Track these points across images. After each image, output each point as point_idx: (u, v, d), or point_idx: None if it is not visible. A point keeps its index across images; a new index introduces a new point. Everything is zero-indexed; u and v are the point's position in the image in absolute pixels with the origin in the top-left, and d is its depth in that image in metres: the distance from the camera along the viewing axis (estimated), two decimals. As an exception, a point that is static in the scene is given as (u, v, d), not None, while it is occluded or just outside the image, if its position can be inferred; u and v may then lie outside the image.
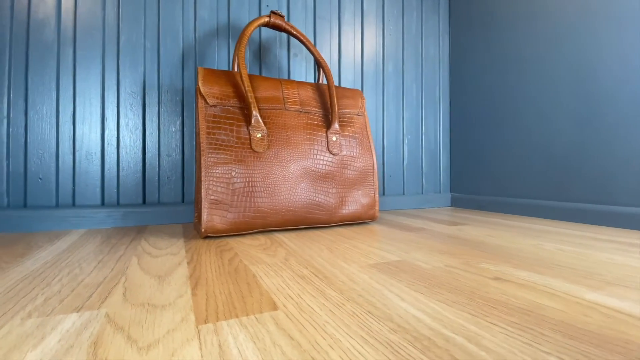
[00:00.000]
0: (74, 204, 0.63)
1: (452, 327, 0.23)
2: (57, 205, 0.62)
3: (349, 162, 0.67)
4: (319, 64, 0.71)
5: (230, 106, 0.59)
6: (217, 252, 0.46)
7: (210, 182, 0.54)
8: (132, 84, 0.68)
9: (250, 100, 0.58)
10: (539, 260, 0.41)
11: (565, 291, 0.30)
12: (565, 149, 0.77)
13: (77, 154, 0.64)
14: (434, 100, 1.09)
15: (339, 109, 0.70)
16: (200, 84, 0.58)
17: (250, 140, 0.58)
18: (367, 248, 0.48)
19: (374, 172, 0.70)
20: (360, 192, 0.68)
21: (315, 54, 0.70)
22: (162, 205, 0.70)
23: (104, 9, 0.65)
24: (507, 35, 0.91)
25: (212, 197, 0.54)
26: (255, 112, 0.58)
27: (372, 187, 0.69)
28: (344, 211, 0.65)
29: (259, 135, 0.59)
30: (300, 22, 0.86)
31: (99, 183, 0.65)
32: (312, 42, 0.88)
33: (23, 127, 0.60)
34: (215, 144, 0.56)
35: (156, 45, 0.70)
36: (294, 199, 0.59)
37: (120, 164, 0.67)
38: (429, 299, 0.29)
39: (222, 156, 0.56)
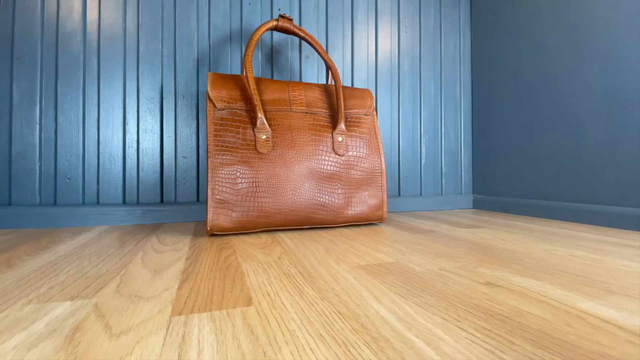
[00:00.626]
0: (98, 202, 0.69)
1: (416, 330, 0.23)
2: (83, 204, 0.68)
3: (355, 163, 0.67)
4: (326, 65, 0.71)
5: (237, 109, 0.61)
6: (217, 249, 0.47)
7: (216, 183, 0.56)
8: (151, 89, 0.72)
9: (256, 102, 0.60)
10: (545, 265, 0.39)
11: (557, 299, 0.28)
12: (595, 148, 0.71)
13: (101, 156, 0.69)
14: (454, 99, 1.05)
15: (346, 109, 0.69)
16: (209, 89, 0.60)
17: (255, 141, 0.60)
18: (364, 249, 0.47)
19: (381, 172, 0.69)
20: (367, 193, 0.67)
21: (323, 54, 0.71)
22: (179, 204, 0.74)
23: (124, 20, 0.70)
24: (533, 30, 0.86)
25: (218, 197, 0.56)
26: (260, 114, 0.60)
27: (380, 188, 0.68)
28: (349, 212, 0.65)
29: (264, 136, 0.60)
30: (312, 24, 0.86)
31: (120, 183, 0.70)
32: (325, 44, 0.88)
33: (53, 131, 0.66)
34: (222, 146, 0.58)
35: (173, 53, 0.74)
36: (298, 200, 0.60)
37: (140, 166, 0.72)
38: (406, 301, 0.28)
39: (227, 157, 0.58)
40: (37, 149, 0.65)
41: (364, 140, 0.69)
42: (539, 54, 0.84)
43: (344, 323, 0.24)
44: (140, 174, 0.72)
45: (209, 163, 0.57)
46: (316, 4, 0.87)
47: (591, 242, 0.52)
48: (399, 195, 0.98)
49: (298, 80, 0.85)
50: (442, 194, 1.05)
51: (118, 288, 0.31)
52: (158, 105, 0.73)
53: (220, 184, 0.56)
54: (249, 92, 0.61)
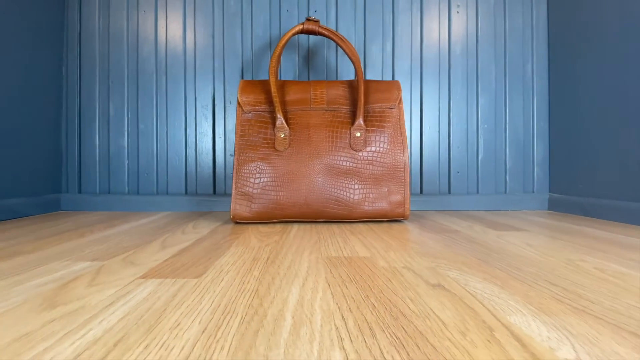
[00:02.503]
0: (167, 193, 0.85)
1: (302, 311, 0.24)
2: (157, 193, 0.85)
3: (375, 158, 0.66)
4: (350, 60, 0.72)
5: (262, 111, 0.67)
6: (227, 234, 0.55)
7: (240, 177, 0.64)
8: (205, 98, 0.85)
9: (275, 104, 0.65)
10: (542, 275, 0.33)
11: (492, 308, 0.25)
12: None
13: (169, 155, 0.85)
14: (523, 81, 0.91)
15: (369, 104, 0.69)
16: (238, 95, 0.68)
17: (274, 140, 0.65)
18: (354, 243, 0.48)
19: (404, 168, 0.66)
20: (387, 189, 0.65)
21: (346, 50, 0.71)
22: (227, 195, 0.85)
23: (184, 41, 0.84)
24: (621, -17, 0.68)
25: (241, 190, 0.64)
26: (279, 115, 0.65)
27: (402, 184, 0.66)
28: (366, 208, 0.64)
29: (282, 135, 0.65)
30: (349, 21, 0.87)
31: (183, 177, 0.85)
32: (362, 38, 0.88)
33: (136, 136, 0.84)
34: (246, 145, 0.65)
35: (222, 65, 0.85)
36: (311, 194, 0.63)
37: (197, 163, 0.85)
38: (317, 289, 0.29)
39: (250, 155, 0.65)
40: (126, 150, 0.84)
41: (386, 135, 0.67)
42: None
43: (252, 306, 0.27)
44: (198, 170, 0.85)
45: (235, 160, 0.65)
46: (353, 2, 0.87)
47: (652, 256, 0.40)
48: (449, 192, 0.91)
49: (334, 78, 0.87)
50: (505, 192, 0.92)
51: (127, 257, 0.41)
52: (211, 111, 0.85)
53: (242, 178, 0.64)
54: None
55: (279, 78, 0.86)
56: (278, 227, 0.62)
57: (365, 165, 0.65)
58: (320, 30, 0.72)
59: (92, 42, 0.84)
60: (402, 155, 0.66)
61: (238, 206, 0.63)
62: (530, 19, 0.91)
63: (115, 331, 0.22)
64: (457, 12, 0.90)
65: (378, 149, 0.66)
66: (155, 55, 0.84)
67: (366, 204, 0.65)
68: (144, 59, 0.84)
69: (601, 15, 0.74)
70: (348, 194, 0.64)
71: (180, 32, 0.85)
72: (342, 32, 0.87)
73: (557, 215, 0.79)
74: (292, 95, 0.69)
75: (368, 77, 0.88)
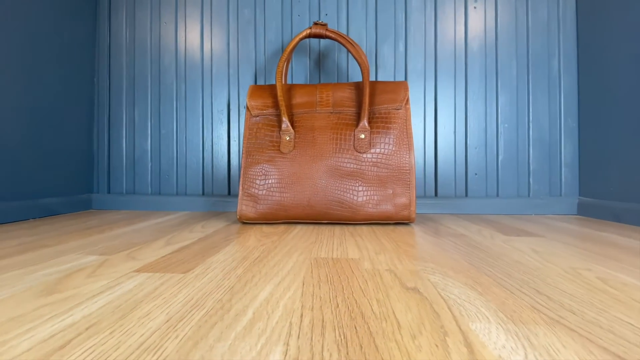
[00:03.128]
0: (185, 194, 0.90)
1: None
2: (176, 194, 0.90)
3: (380, 160, 0.65)
4: (356, 62, 0.72)
5: (269, 115, 0.69)
6: (230, 233, 0.57)
7: (246, 179, 0.66)
8: (220, 104, 0.89)
9: (281, 107, 0.67)
10: (531, 283, 0.32)
11: (458, 314, 0.24)
12: None
13: (187, 158, 0.90)
14: (548, 77, 0.86)
15: (375, 105, 0.68)
16: (247, 99, 0.71)
17: (280, 142, 0.67)
18: (345, 244, 0.48)
19: (410, 169, 0.65)
20: (391, 191, 0.64)
21: (352, 51, 0.71)
22: (241, 197, 0.88)
23: (202, 50, 0.89)
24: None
25: (247, 192, 0.66)
26: (284, 118, 0.67)
27: (408, 185, 0.64)
28: (369, 210, 0.64)
29: (287, 138, 0.67)
30: (360, 22, 0.87)
31: (200, 179, 0.90)
32: (374, 39, 0.87)
33: (158, 141, 0.90)
34: (253, 147, 0.67)
35: (236, 72, 0.88)
36: (315, 195, 0.64)
37: (214, 165, 0.89)
38: (290, 288, 0.30)
39: (256, 157, 0.67)
40: (149, 154, 0.90)
41: (392, 137, 0.66)
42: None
43: (221, 301, 0.28)
44: (214, 172, 0.89)
45: (242, 162, 0.67)
46: (364, 2, 0.87)
47: (672, 267, 0.37)
48: (466, 195, 0.87)
49: (345, 80, 0.87)
50: (529, 196, 0.87)
51: (131, 252, 0.44)
52: (226, 116, 0.89)
53: (249, 180, 0.66)
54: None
55: (290, 82, 0.88)
56: (281, 227, 0.63)
57: (370, 167, 0.65)
58: (328, 33, 0.73)
59: (119, 54, 0.91)
60: (407, 156, 0.65)
61: (244, 207, 0.65)
62: (557, 10, 0.85)
63: (92, 317, 0.24)
64: (475, 8, 0.86)
65: (383, 150, 0.65)
66: (176, 64, 0.89)
67: (370, 206, 0.64)
68: (165, 68, 0.90)
69: (636, 4, 0.68)
70: (351, 196, 0.64)
71: (198, 41, 0.89)
72: (353, 33, 0.87)
73: (584, 221, 0.73)
74: (298, 98, 0.70)
75: (379, 78, 0.87)
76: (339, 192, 0.64)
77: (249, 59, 0.88)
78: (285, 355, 0.19)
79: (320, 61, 0.87)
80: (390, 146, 0.66)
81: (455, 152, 0.88)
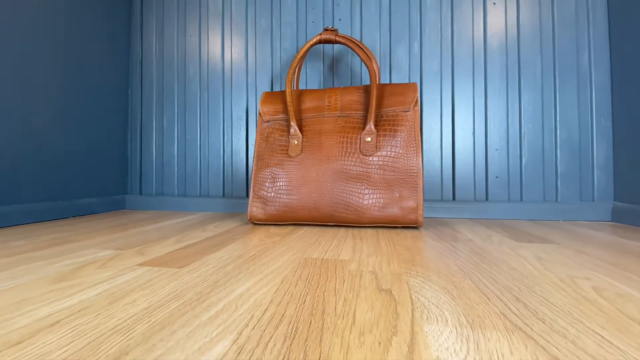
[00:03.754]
0: (208, 195, 0.95)
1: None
2: (200, 195, 0.96)
3: (387, 163, 0.65)
4: (365, 65, 0.72)
5: (279, 120, 0.72)
6: (237, 233, 0.60)
7: (257, 182, 0.69)
8: (239, 110, 0.93)
9: (290, 112, 0.69)
10: (515, 290, 0.31)
11: (418, 316, 0.25)
12: None
13: (210, 162, 0.95)
14: (577, 73, 0.80)
15: (382, 108, 0.68)
16: (259, 106, 0.74)
17: (288, 146, 0.69)
18: (342, 246, 0.49)
19: (417, 173, 0.64)
20: (398, 194, 0.64)
21: (362, 56, 0.72)
22: (258, 199, 0.92)
23: (222, 60, 0.94)
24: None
25: (257, 194, 0.69)
26: (292, 123, 0.69)
27: (415, 189, 0.64)
28: (375, 213, 0.64)
29: (295, 142, 0.69)
30: (374, 25, 0.87)
31: (221, 181, 0.95)
32: (388, 41, 0.87)
33: (183, 146, 0.96)
34: (264, 151, 0.70)
35: (254, 80, 0.93)
36: (321, 198, 0.65)
37: (233, 168, 0.94)
38: (267, 285, 0.31)
39: (266, 161, 0.70)
40: (175, 158, 0.97)
41: (399, 139, 0.66)
42: None
43: (200, 293, 0.31)
44: (233, 175, 0.94)
45: (253, 165, 0.70)
46: (378, 4, 0.87)
47: (689, 279, 0.33)
48: (487, 199, 0.84)
49: (358, 83, 0.88)
50: (557, 200, 0.81)
51: (142, 248, 0.48)
52: (244, 122, 0.93)
53: (259, 182, 0.69)
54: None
55: (303, 87, 0.90)
56: (288, 229, 0.65)
57: (376, 170, 0.65)
58: (337, 39, 0.74)
59: (150, 67, 0.99)
60: (415, 159, 0.64)
61: (255, 208, 0.68)
62: (586, 2, 0.79)
63: (87, 302, 0.28)
64: (494, 4, 0.83)
65: (390, 153, 0.65)
66: (199, 74, 0.96)
67: (375, 209, 0.64)
68: (190, 79, 0.96)
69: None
70: (357, 199, 0.65)
71: (219, 51, 0.95)
72: (367, 37, 0.88)
73: (616, 228, 0.67)
74: (307, 103, 0.72)
75: (394, 80, 0.87)
76: (344, 195, 0.65)
77: (266, 67, 0.92)
78: (234, 343, 0.21)
79: (333, 66, 0.89)
80: (397, 149, 0.65)
81: (475, 154, 0.84)
